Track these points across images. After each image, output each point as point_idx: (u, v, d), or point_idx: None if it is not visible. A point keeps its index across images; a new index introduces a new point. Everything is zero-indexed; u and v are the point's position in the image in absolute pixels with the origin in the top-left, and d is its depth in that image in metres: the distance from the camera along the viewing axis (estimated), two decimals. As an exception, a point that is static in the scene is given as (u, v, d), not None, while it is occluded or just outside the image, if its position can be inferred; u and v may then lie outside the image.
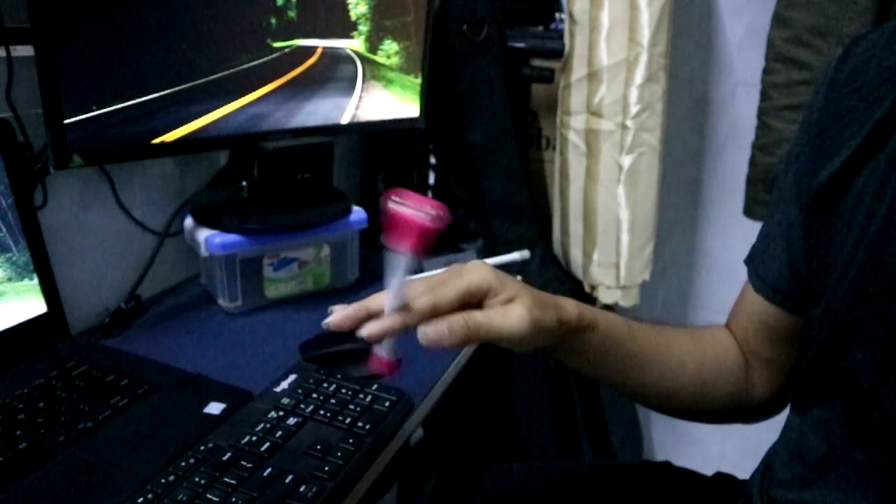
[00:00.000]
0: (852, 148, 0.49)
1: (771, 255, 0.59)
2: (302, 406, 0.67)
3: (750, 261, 0.62)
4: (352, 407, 0.68)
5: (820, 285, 0.52)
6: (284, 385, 0.71)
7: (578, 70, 1.21)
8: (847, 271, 0.49)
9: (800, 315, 0.58)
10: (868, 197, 0.48)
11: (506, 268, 1.14)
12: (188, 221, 0.93)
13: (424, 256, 0.51)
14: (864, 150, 0.49)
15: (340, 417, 0.66)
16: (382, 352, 0.52)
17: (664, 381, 0.61)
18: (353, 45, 0.99)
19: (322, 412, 0.67)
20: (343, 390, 0.70)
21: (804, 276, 0.55)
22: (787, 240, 0.57)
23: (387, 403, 0.69)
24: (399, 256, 0.48)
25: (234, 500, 0.55)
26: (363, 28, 0.99)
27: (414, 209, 0.47)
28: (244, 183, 0.97)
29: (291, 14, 0.90)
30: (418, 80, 1.09)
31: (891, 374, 0.46)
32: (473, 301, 0.51)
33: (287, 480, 0.57)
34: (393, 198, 0.47)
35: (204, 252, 0.89)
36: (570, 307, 0.56)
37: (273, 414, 0.66)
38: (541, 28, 1.37)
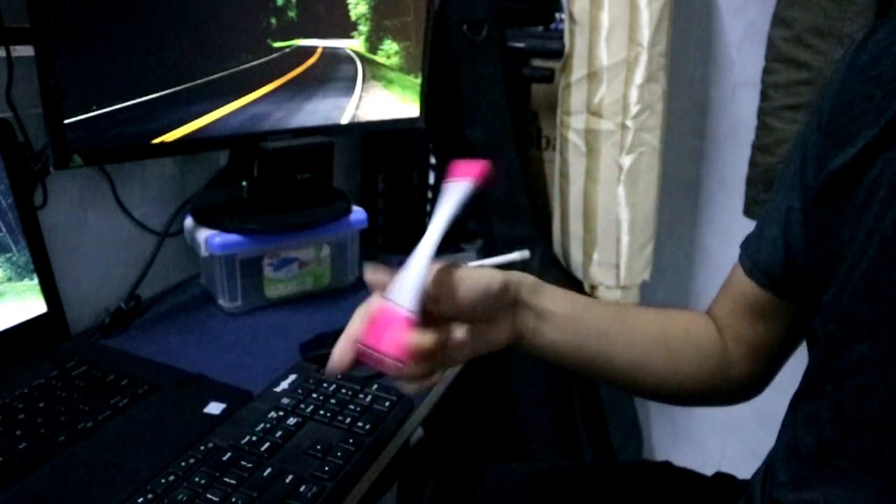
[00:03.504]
0: (867, 138, 0.49)
1: (766, 239, 0.58)
2: (302, 406, 0.67)
3: (744, 244, 0.62)
4: (352, 407, 0.68)
5: (826, 275, 0.52)
6: (284, 385, 0.71)
7: (578, 70, 1.21)
8: (858, 263, 0.48)
9: (790, 300, 0.58)
10: (882, 189, 0.47)
11: (506, 268, 1.14)
12: (188, 221, 0.93)
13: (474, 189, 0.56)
14: (880, 140, 0.48)
15: (340, 417, 0.66)
16: (404, 302, 0.44)
17: (630, 352, 0.61)
18: (353, 45, 0.99)
19: (322, 412, 0.67)
20: (343, 390, 0.70)
21: (803, 264, 0.55)
22: (784, 224, 0.56)
23: (387, 403, 0.69)
24: (459, 184, 0.54)
25: (234, 500, 0.55)
26: (363, 28, 0.99)
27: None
28: (244, 183, 0.97)
29: (291, 14, 0.90)
30: (418, 80, 1.09)
31: (892, 368, 0.46)
32: None
33: (287, 480, 0.57)
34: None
35: (204, 252, 0.89)
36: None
37: (273, 414, 0.66)
38: (541, 28, 1.37)
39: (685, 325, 0.64)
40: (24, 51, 0.74)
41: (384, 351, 0.43)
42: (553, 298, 0.59)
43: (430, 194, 1.38)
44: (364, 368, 0.77)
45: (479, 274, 0.53)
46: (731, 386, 0.64)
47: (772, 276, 0.58)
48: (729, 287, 0.64)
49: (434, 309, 0.51)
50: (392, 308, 0.45)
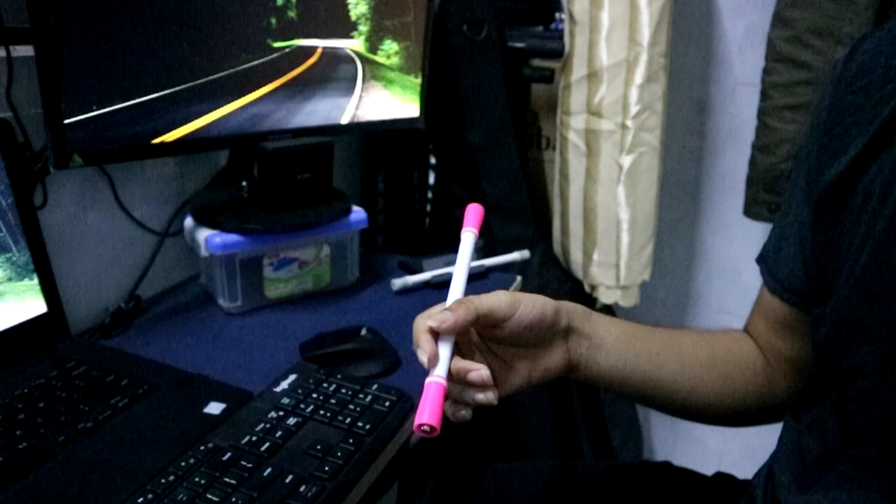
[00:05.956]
0: (859, 147, 0.49)
1: (785, 256, 0.59)
2: (302, 406, 0.67)
3: (762, 261, 0.62)
4: (352, 407, 0.68)
5: (828, 283, 0.52)
6: (284, 385, 0.71)
7: (578, 70, 1.21)
8: (853, 269, 0.49)
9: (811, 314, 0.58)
10: (875, 196, 0.48)
11: (506, 268, 1.15)
12: (188, 221, 0.93)
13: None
14: (870, 148, 0.49)
15: (340, 417, 0.66)
16: (440, 372, 0.50)
17: (681, 375, 0.62)
18: (353, 45, 0.99)
19: (322, 412, 0.67)
20: (343, 390, 0.70)
21: (814, 275, 0.55)
22: (800, 240, 0.56)
23: (387, 403, 0.69)
24: (470, 234, 0.59)
25: (234, 500, 0.55)
26: (363, 28, 0.99)
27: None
28: (244, 183, 0.97)
29: (291, 14, 0.90)
30: (418, 80, 1.09)
31: (892, 371, 0.46)
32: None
33: (287, 480, 0.57)
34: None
35: (204, 252, 0.89)
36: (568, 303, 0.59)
37: (273, 414, 0.66)
38: (541, 28, 1.37)
39: (728, 345, 0.64)
40: (24, 51, 0.74)
41: (428, 423, 0.48)
42: (603, 325, 0.60)
43: (430, 194, 1.38)
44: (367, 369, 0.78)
45: (534, 298, 0.55)
46: (776, 402, 0.64)
47: (795, 292, 0.58)
48: (759, 304, 0.64)
49: (493, 333, 0.54)
50: (429, 384, 0.50)
